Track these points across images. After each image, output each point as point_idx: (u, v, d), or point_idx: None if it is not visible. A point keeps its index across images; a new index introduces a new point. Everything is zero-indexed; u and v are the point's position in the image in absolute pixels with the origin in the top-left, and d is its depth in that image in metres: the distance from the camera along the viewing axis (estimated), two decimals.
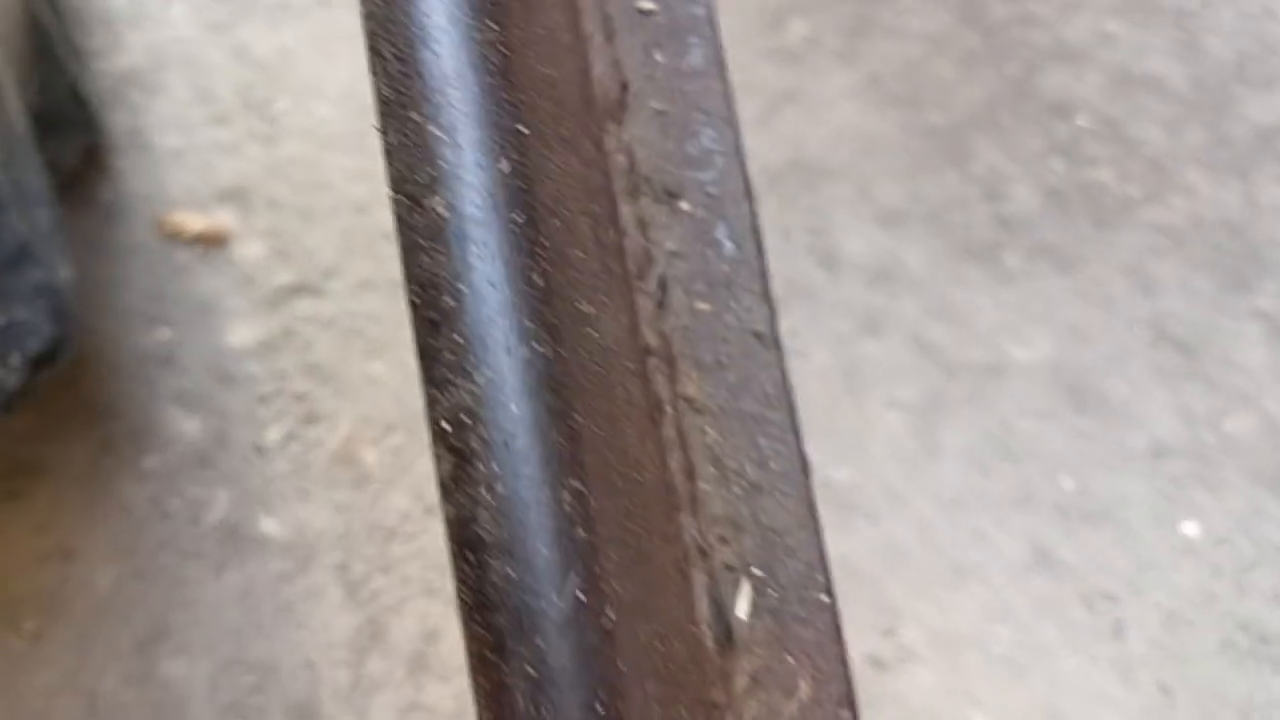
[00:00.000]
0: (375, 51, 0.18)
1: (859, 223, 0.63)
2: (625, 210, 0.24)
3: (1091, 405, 0.59)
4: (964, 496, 0.57)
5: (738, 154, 0.25)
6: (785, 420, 0.25)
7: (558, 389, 0.18)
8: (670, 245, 0.25)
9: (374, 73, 0.18)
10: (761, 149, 0.65)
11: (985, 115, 0.66)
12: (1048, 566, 0.56)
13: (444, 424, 0.17)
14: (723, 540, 0.24)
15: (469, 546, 0.17)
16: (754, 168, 0.60)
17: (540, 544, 0.17)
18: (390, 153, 0.18)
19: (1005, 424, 0.58)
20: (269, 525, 0.60)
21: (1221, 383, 0.59)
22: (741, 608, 0.24)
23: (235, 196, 0.68)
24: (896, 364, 0.60)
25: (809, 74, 0.67)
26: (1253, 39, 0.69)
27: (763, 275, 0.25)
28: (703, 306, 0.25)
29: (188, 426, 0.62)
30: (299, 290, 0.65)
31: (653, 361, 0.24)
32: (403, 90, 0.18)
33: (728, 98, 0.25)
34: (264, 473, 0.61)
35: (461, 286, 0.17)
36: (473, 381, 0.17)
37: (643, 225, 0.25)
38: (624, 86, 0.25)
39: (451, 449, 0.17)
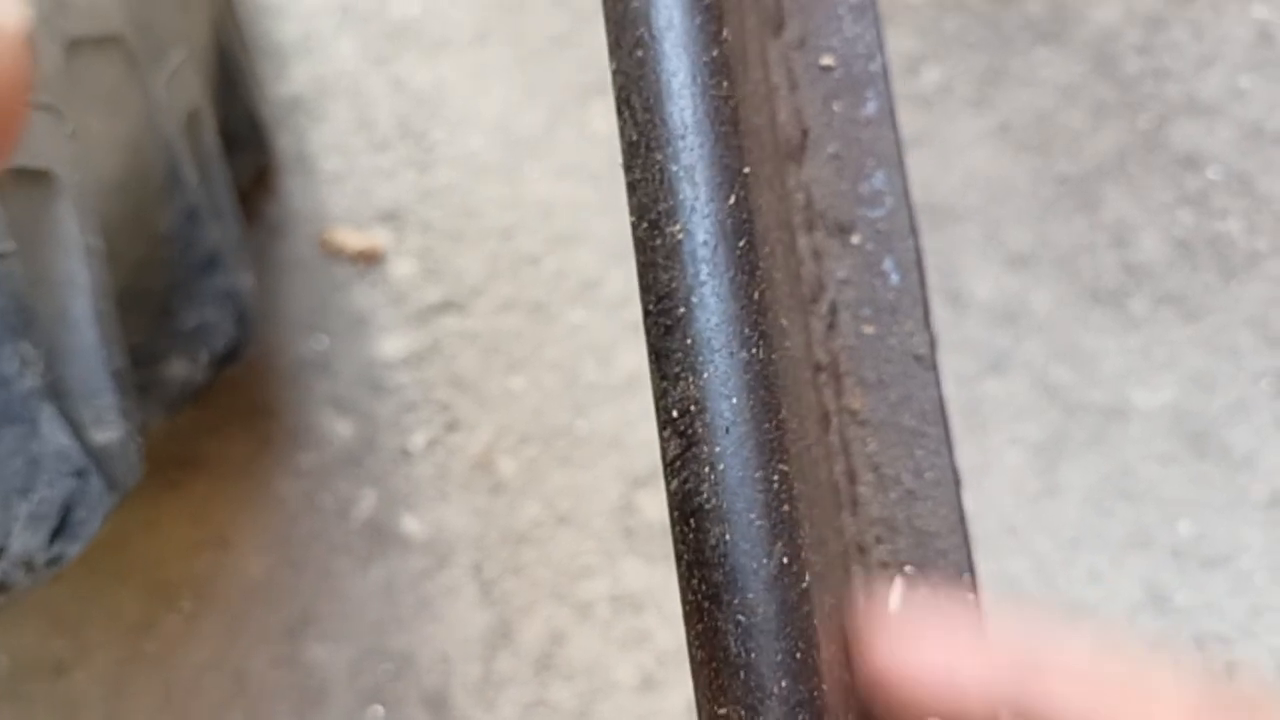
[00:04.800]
0: (625, 102, 0.21)
1: (987, 265, 0.65)
2: (802, 241, 0.27)
3: (1212, 453, 0.59)
4: (1082, 536, 0.58)
5: (905, 195, 0.28)
6: (940, 435, 0.27)
7: (768, 387, 0.20)
8: (840, 274, 0.28)
9: (622, 119, 0.22)
10: None
11: (1115, 165, 0.67)
12: (1161, 608, 0.56)
13: (674, 412, 0.20)
14: (879, 540, 0.27)
15: (691, 514, 0.20)
16: None
17: (753, 514, 0.20)
18: (634, 186, 0.21)
19: (1125, 467, 0.59)
20: (411, 524, 0.64)
21: None
22: (893, 600, 0.26)
23: (391, 218, 0.72)
24: (1019, 403, 0.61)
25: (941, 119, 0.69)
26: None
27: (924, 304, 0.28)
28: (868, 330, 0.27)
29: (340, 428, 0.66)
30: (446, 307, 0.69)
31: (822, 377, 0.27)
32: (648, 135, 0.21)
33: (898, 145, 0.28)
34: (408, 475, 0.65)
35: (694, 299, 0.20)
36: (700, 377, 0.20)
37: (817, 255, 0.27)
38: (804, 133, 0.28)
39: (679, 433, 0.20)
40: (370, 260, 0.71)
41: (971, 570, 0.26)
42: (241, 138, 0.69)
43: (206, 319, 0.52)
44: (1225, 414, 0.60)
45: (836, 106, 0.28)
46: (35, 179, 0.35)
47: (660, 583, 0.61)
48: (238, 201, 0.62)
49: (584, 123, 0.74)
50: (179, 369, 0.50)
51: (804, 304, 0.26)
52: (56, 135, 0.37)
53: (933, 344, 0.27)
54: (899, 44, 0.72)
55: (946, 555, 0.26)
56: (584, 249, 0.69)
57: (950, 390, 0.62)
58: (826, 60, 0.28)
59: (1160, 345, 0.62)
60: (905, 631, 0.23)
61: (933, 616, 0.23)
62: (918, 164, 0.67)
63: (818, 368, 0.26)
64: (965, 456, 0.60)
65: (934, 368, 0.27)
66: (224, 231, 0.54)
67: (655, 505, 0.63)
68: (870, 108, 0.28)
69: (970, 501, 0.60)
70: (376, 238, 0.71)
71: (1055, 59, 0.71)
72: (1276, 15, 0.72)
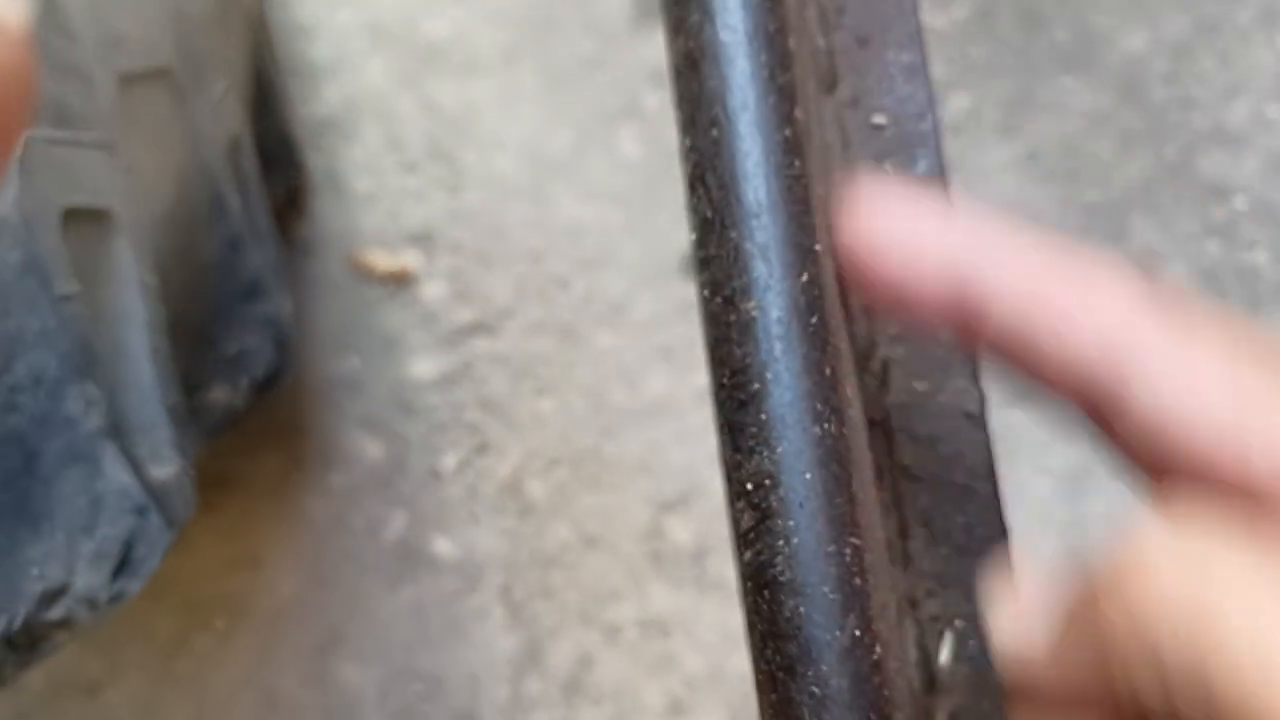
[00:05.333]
0: (699, 179, 0.22)
1: None
2: (854, 300, 0.28)
3: None
4: None
5: None
6: (990, 491, 0.28)
7: (841, 461, 0.21)
8: (892, 330, 0.28)
9: (695, 196, 0.22)
10: None
11: (1142, 194, 0.68)
12: None
13: (748, 485, 0.21)
14: (930, 594, 0.27)
15: (765, 586, 0.21)
16: None
17: (826, 588, 0.20)
18: (707, 261, 0.22)
19: None
20: (441, 545, 0.65)
21: None
22: (944, 655, 0.27)
23: (421, 239, 0.73)
24: (1047, 433, 0.62)
25: (969, 147, 0.70)
26: None
27: (974, 361, 0.28)
28: (919, 386, 0.28)
29: (371, 449, 0.67)
30: (476, 329, 0.70)
31: (874, 433, 0.27)
32: (723, 213, 0.22)
33: (948, 202, 0.28)
34: (438, 496, 0.66)
35: (768, 375, 0.21)
36: (774, 452, 0.21)
37: (868, 313, 0.28)
38: None
39: (754, 506, 0.21)
40: (401, 281, 0.71)
41: None
42: (275, 158, 0.70)
43: (247, 345, 0.52)
44: None
45: (888, 165, 0.28)
46: (95, 218, 0.36)
47: (688, 607, 0.62)
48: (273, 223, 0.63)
49: (612, 146, 0.74)
50: (220, 396, 0.51)
51: (857, 361, 0.27)
52: (113, 172, 0.38)
53: (983, 401, 0.28)
54: None
55: None
56: (612, 272, 0.70)
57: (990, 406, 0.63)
58: (879, 119, 0.29)
59: None
60: (875, 210, 0.23)
61: (903, 201, 0.24)
62: None
63: (870, 424, 0.27)
64: None
65: (984, 425, 0.28)
66: (264, 257, 0.55)
67: (683, 530, 0.64)
68: (921, 166, 0.28)
69: None
70: (407, 259, 0.72)
71: (1082, 87, 0.71)
72: None
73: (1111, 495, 0.60)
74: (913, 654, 0.26)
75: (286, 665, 0.63)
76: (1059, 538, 0.59)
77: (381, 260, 0.72)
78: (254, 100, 0.66)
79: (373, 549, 0.65)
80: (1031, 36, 0.73)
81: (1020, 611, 0.23)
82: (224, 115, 0.54)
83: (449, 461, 0.66)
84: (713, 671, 0.61)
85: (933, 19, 0.74)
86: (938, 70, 0.71)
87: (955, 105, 0.71)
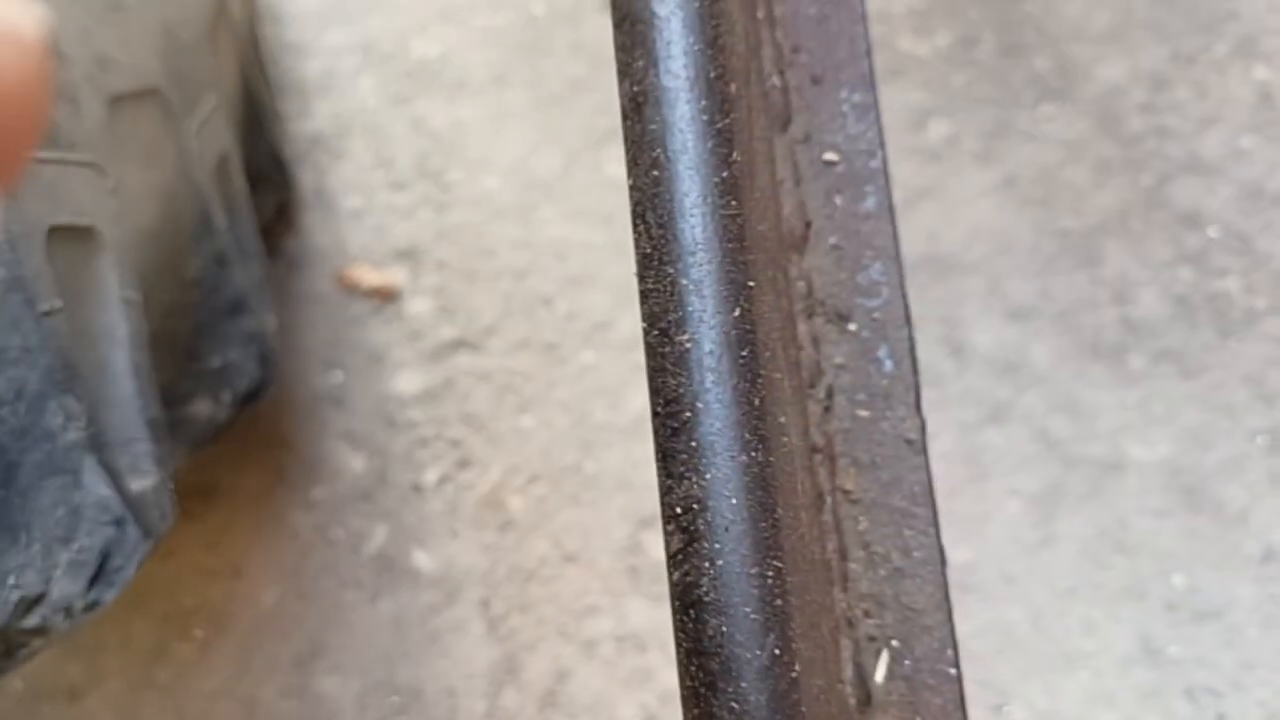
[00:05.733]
0: (640, 216, 0.23)
1: (988, 317, 0.66)
2: (802, 328, 0.29)
3: (1207, 508, 0.60)
4: (1077, 586, 0.59)
5: (901, 286, 0.29)
6: (928, 516, 0.29)
7: (766, 488, 0.22)
8: (838, 359, 0.29)
9: (637, 232, 0.23)
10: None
11: (1117, 221, 0.69)
12: (1154, 659, 0.57)
13: (678, 508, 0.22)
14: (867, 614, 0.28)
15: (691, 605, 0.21)
16: None
17: (748, 608, 0.21)
18: (646, 295, 0.23)
19: (1121, 520, 0.61)
20: (421, 559, 0.65)
21: None
22: (880, 673, 0.28)
23: (408, 256, 0.74)
24: (1018, 454, 0.62)
25: (947, 173, 0.71)
26: None
27: (916, 390, 0.29)
28: (863, 414, 0.29)
29: (354, 463, 0.68)
30: (460, 345, 0.70)
31: (817, 458, 0.28)
32: (661, 249, 0.23)
33: (895, 238, 0.29)
34: (419, 510, 0.66)
35: (699, 404, 0.22)
36: (703, 478, 0.22)
37: (816, 341, 0.29)
38: (807, 224, 0.29)
39: (682, 529, 0.22)
40: (387, 297, 0.72)
41: (954, 646, 0.28)
42: (264, 175, 0.70)
43: (231, 360, 0.53)
44: (1220, 470, 0.61)
45: (838, 200, 0.29)
46: (79, 235, 0.37)
47: (664, 623, 0.62)
48: (260, 239, 0.64)
49: (598, 166, 0.75)
50: (203, 409, 0.52)
51: (802, 388, 0.28)
52: (99, 191, 0.39)
53: (923, 429, 0.29)
54: (908, 97, 0.73)
55: (931, 631, 0.28)
56: (595, 291, 0.71)
57: (951, 439, 0.64)
58: (830, 155, 0.30)
59: (1158, 401, 0.63)
60: None
61: None
62: (924, 216, 0.69)
63: (813, 449, 0.28)
64: (964, 505, 0.61)
65: (924, 451, 0.29)
66: (249, 274, 0.56)
67: (660, 546, 0.64)
68: (870, 202, 0.29)
69: (969, 550, 0.62)
70: (393, 275, 0.73)
71: (1060, 115, 0.72)
72: (1278, 76, 0.73)
73: (1082, 520, 0.61)
74: (849, 671, 0.27)
75: (266, 676, 0.64)
76: (1029, 557, 0.60)
77: (368, 276, 0.73)
78: (244, 118, 0.67)
79: (353, 561, 0.65)
80: (1012, 65, 0.74)
81: None
82: (213, 133, 0.55)
83: (430, 476, 0.67)
84: None
85: (915, 46, 0.76)
86: (918, 96, 0.72)
87: (935, 132, 0.72)
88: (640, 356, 0.69)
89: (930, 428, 0.64)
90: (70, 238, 0.36)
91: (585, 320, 0.70)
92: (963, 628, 0.60)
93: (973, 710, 0.58)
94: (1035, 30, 0.76)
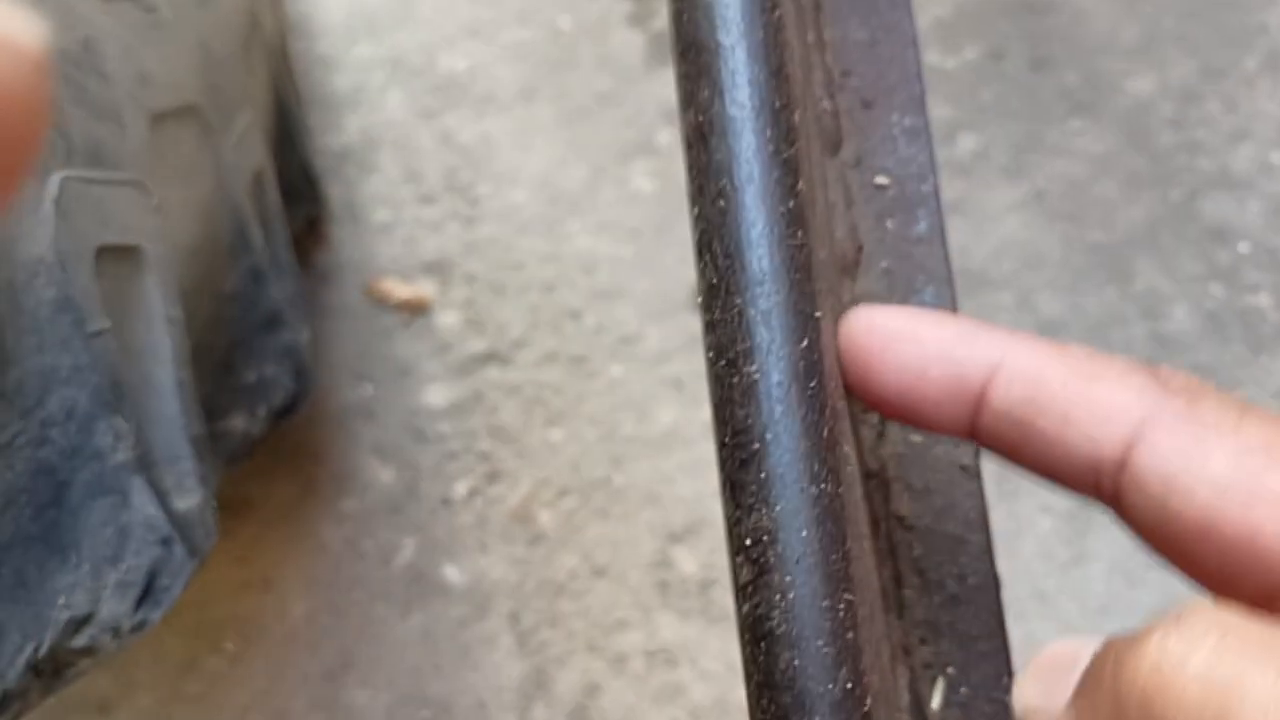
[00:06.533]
0: (706, 246, 0.23)
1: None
2: None
3: None
4: (1110, 604, 0.59)
5: (953, 309, 0.29)
6: (982, 542, 0.29)
7: (836, 520, 0.22)
8: None
9: (702, 262, 0.23)
10: None
11: (1147, 236, 0.69)
12: None
13: (747, 540, 0.22)
14: (923, 641, 0.28)
15: (762, 639, 0.21)
16: None
17: (821, 641, 0.21)
18: (712, 325, 0.23)
19: None
20: (451, 572, 0.65)
21: None
22: (936, 700, 0.28)
23: (436, 269, 0.74)
24: None
25: (977, 187, 0.71)
26: None
27: None
28: (915, 439, 0.29)
29: (383, 475, 0.68)
30: (489, 358, 0.71)
31: (872, 483, 0.28)
32: (728, 279, 0.23)
33: (947, 262, 0.29)
34: (449, 524, 0.67)
35: (769, 435, 0.22)
36: (773, 510, 0.22)
37: None
38: (859, 249, 0.29)
39: (752, 560, 0.22)
40: (416, 310, 0.73)
41: (1010, 673, 0.28)
42: (296, 189, 0.71)
43: (266, 374, 0.54)
44: None
45: (890, 224, 0.29)
46: (126, 254, 0.37)
47: (694, 637, 0.63)
48: (293, 253, 0.64)
49: (625, 180, 0.76)
50: (239, 424, 0.52)
51: (855, 414, 0.28)
52: (144, 210, 0.39)
53: (977, 454, 0.29)
54: (937, 111, 0.73)
55: (987, 658, 0.28)
56: (623, 304, 0.71)
57: (985, 456, 0.63)
58: (881, 179, 0.30)
59: None
60: (878, 339, 0.24)
61: (905, 325, 0.25)
62: (954, 230, 0.69)
63: (868, 475, 0.28)
64: (997, 522, 0.61)
65: (978, 476, 0.29)
66: (284, 288, 0.56)
67: (690, 560, 0.65)
68: (922, 226, 0.29)
69: (1001, 567, 0.61)
70: (422, 288, 0.73)
71: (1090, 129, 0.72)
72: None
73: (1114, 538, 0.61)
74: (905, 699, 0.27)
75: (296, 689, 0.64)
76: (1061, 575, 0.60)
77: (397, 289, 0.73)
78: (276, 132, 0.67)
79: (383, 575, 0.65)
80: (1040, 79, 0.74)
81: (1039, 675, 0.24)
82: (248, 149, 0.56)
83: (460, 489, 0.67)
84: (718, 702, 0.61)
85: (943, 60, 0.76)
86: (947, 111, 0.73)
87: (964, 146, 0.72)
88: (669, 370, 0.70)
89: None
90: (117, 257, 0.37)
91: (613, 334, 0.70)
92: None
93: None
94: (1064, 44, 0.76)
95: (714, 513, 0.66)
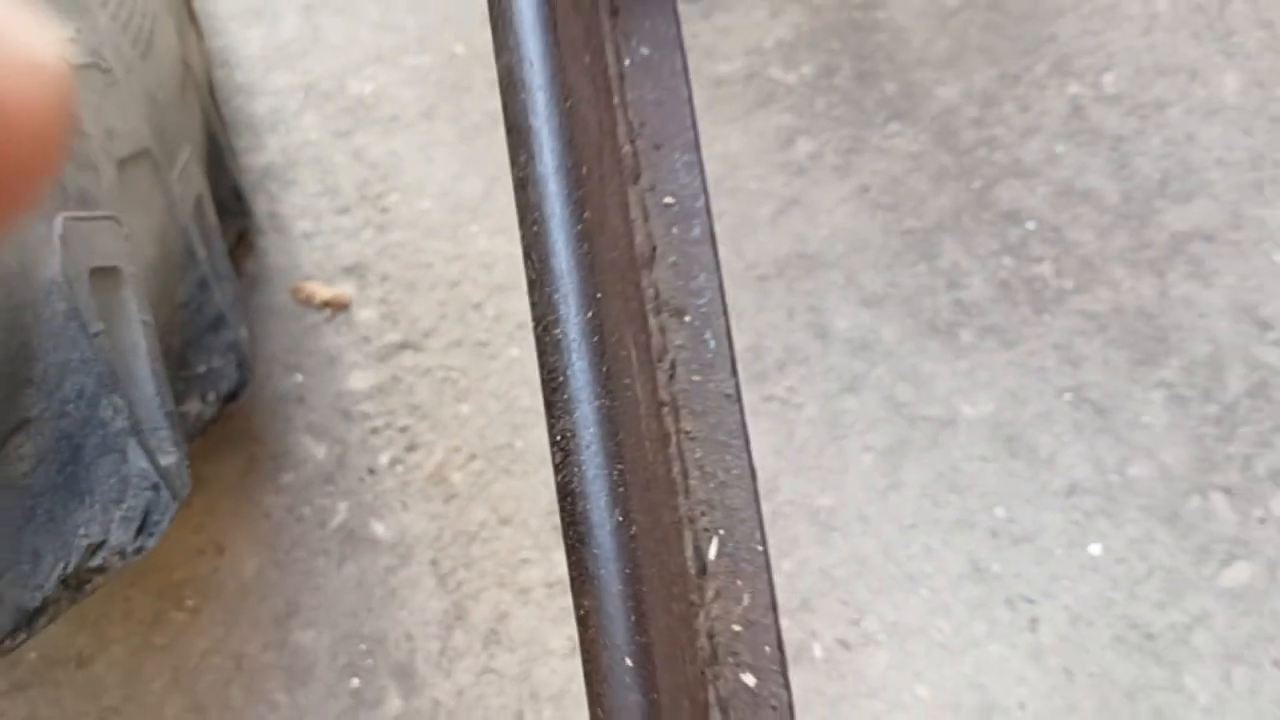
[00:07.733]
0: (528, 255, 0.35)
1: (846, 304, 0.79)
2: (651, 321, 0.41)
3: (1022, 453, 0.74)
4: (918, 521, 0.72)
5: (720, 290, 0.41)
6: (741, 445, 0.41)
7: (613, 421, 0.34)
8: (678, 341, 0.41)
9: (527, 265, 0.35)
10: (772, 244, 0.81)
11: (951, 220, 0.82)
12: (980, 576, 0.70)
13: (559, 435, 0.34)
14: (702, 514, 0.40)
15: (567, 496, 0.34)
16: (766, 259, 0.78)
17: (602, 495, 0.33)
18: (534, 304, 0.35)
19: (954, 466, 0.74)
20: (378, 529, 0.76)
21: (1127, 438, 0.73)
22: (712, 552, 0.40)
23: (354, 271, 0.84)
24: (871, 417, 0.75)
25: (812, 184, 0.83)
26: (1175, 160, 0.83)
27: (732, 360, 0.41)
28: (695, 378, 0.41)
29: (316, 451, 0.78)
30: (404, 347, 0.81)
31: (665, 409, 0.41)
32: (542, 276, 0.35)
33: (716, 256, 0.42)
34: (375, 489, 0.77)
35: (569, 371, 0.34)
36: (572, 417, 0.34)
37: (662, 329, 0.41)
38: (654, 249, 0.41)
39: (562, 448, 0.34)
40: (338, 308, 0.82)
41: (761, 530, 0.40)
42: (227, 206, 0.81)
43: (214, 366, 0.64)
44: (1034, 422, 0.74)
45: (675, 230, 0.42)
46: (109, 274, 0.48)
47: None
48: (231, 263, 0.74)
49: None
50: (193, 408, 0.62)
51: (652, 361, 0.40)
52: (118, 238, 0.50)
53: (738, 387, 0.41)
54: (778, 120, 0.86)
55: (745, 523, 0.40)
56: (518, 296, 0.82)
57: (816, 407, 0.76)
58: (668, 199, 0.42)
59: (983, 368, 0.76)
60: None
61: None
62: (793, 221, 0.81)
63: (661, 404, 0.40)
64: (827, 460, 0.74)
65: (739, 401, 0.41)
66: (226, 294, 0.67)
67: None
68: (697, 231, 0.42)
69: (831, 496, 0.75)
70: (343, 288, 0.83)
71: (906, 131, 0.85)
72: (1087, 91, 0.87)
73: (922, 467, 0.74)
74: (690, 551, 0.39)
75: (250, 634, 0.73)
76: (881, 500, 0.73)
77: (321, 290, 0.83)
78: (208, 158, 0.77)
79: (320, 534, 0.75)
80: (865, 89, 0.87)
81: None
82: (189, 178, 0.66)
83: (383, 459, 0.77)
84: None
85: (785, 75, 0.88)
86: (787, 119, 0.85)
87: (801, 149, 0.85)
88: None
89: (798, 398, 0.77)
90: (103, 276, 0.48)
91: (510, 321, 0.81)
92: (827, 559, 0.73)
93: (834, 624, 0.70)
94: (886, 59, 0.88)
95: None
